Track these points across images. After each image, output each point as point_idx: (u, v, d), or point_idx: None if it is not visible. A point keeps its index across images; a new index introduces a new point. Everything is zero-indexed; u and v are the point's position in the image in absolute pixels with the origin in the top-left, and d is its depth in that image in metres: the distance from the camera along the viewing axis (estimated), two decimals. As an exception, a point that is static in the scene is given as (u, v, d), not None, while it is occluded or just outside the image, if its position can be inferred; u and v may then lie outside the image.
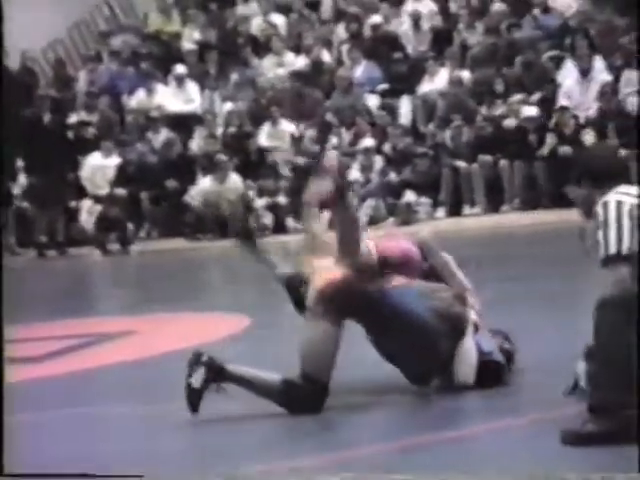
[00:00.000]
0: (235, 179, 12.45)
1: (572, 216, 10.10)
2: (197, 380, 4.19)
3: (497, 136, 11.79)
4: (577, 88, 11.96)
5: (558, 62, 12.38)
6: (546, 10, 13.33)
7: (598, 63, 12.03)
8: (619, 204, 4.01)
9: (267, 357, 5.17)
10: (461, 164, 11.89)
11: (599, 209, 4.04)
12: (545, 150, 11.41)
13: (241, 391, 4.27)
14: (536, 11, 13.30)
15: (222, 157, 12.53)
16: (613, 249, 3.96)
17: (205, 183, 12.49)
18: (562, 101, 11.81)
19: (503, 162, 11.64)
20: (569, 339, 4.78)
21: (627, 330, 3.87)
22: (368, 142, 12.37)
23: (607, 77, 11.90)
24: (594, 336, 3.92)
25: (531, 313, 6.01)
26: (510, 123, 11.82)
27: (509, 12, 13.28)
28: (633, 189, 4.08)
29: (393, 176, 12.21)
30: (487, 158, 11.73)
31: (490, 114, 12.10)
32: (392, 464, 3.55)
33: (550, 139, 11.44)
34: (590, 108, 11.71)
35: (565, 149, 11.18)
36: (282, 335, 5.89)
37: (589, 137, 11.27)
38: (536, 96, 12.03)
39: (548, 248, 9.11)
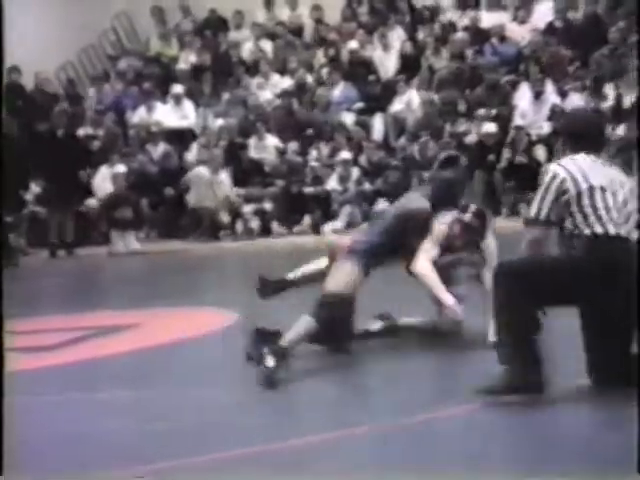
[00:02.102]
0: (224, 176, 12.48)
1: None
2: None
3: (460, 150, 11.83)
4: (531, 109, 12.06)
5: (514, 85, 12.47)
6: (502, 39, 13.42)
7: (549, 87, 12.14)
8: (554, 175, 4.07)
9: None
10: (427, 175, 11.93)
11: (546, 170, 4.12)
12: (502, 163, 11.50)
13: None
14: (494, 40, 13.39)
15: (216, 152, 12.58)
16: (532, 212, 4.03)
17: (201, 170, 12.49)
18: (517, 120, 11.91)
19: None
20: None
21: (520, 294, 3.94)
22: (345, 155, 12.40)
23: (556, 99, 12.01)
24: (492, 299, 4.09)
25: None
26: (471, 139, 11.90)
27: (470, 40, 13.37)
28: (589, 159, 4.09)
29: (368, 186, 12.25)
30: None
31: (454, 131, 12.17)
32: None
33: (506, 154, 11.53)
34: (542, 127, 11.81)
35: (520, 159, 11.27)
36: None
37: (541, 152, 11.36)
38: (495, 114, 12.10)
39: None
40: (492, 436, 3.65)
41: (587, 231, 4.02)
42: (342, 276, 4.88)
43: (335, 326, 4.94)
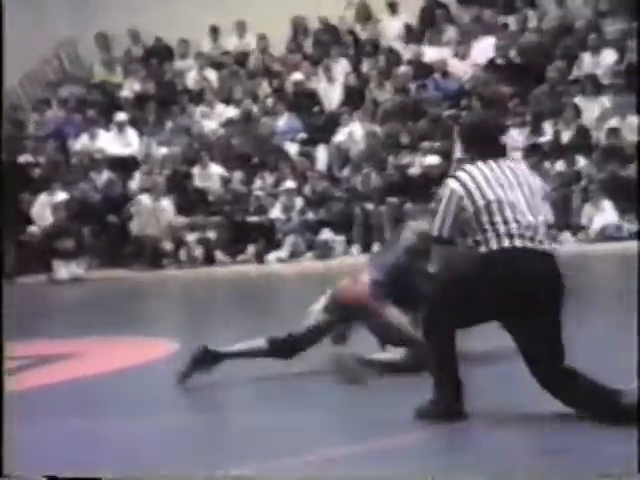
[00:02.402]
0: (167, 203, 12.34)
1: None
2: None
3: (403, 181, 11.87)
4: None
5: (456, 119, 12.53)
6: (445, 74, 13.52)
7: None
8: (452, 192, 4.00)
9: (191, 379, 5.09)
10: (370, 206, 11.93)
11: (445, 185, 4.04)
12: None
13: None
14: (437, 75, 13.47)
15: (159, 179, 12.46)
16: (435, 231, 4.03)
17: (143, 198, 12.38)
18: (458, 153, 11.97)
19: (408, 204, 11.72)
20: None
21: (437, 320, 4.02)
22: (290, 184, 12.34)
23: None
24: None
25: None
26: (415, 170, 11.93)
27: (413, 74, 13.44)
28: (487, 168, 3.96)
29: (311, 215, 12.19)
30: (394, 200, 11.80)
31: (397, 162, 12.18)
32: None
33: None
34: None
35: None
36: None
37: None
38: (437, 146, 12.15)
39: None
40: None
41: (483, 248, 3.93)
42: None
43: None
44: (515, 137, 11.79)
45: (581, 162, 11.13)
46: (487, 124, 4.16)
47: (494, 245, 3.92)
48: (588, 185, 10.80)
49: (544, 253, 3.95)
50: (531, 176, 4.08)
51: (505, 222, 3.92)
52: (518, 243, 3.90)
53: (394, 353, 5.11)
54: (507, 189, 3.94)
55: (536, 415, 3.95)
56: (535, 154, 11.20)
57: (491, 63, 13.30)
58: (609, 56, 12.23)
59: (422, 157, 12.02)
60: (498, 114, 12.28)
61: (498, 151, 4.07)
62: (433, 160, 11.89)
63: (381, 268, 5.19)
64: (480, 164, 4.01)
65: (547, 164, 11.25)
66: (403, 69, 13.47)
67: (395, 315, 5.08)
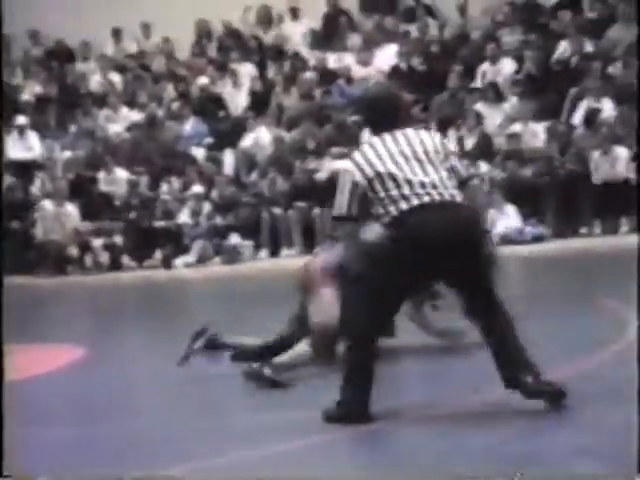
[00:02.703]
0: (71, 208, 12.08)
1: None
2: None
3: (310, 186, 11.87)
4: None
5: (361, 125, 12.60)
6: (349, 81, 13.58)
7: (394, 127, 12.34)
8: (344, 170, 4.12)
9: (97, 386, 4.97)
10: (277, 211, 11.89)
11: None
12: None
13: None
14: (341, 81, 13.53)
15: (62, 184, 12.18)
16: (335, 210, 4.23)
17: (46, 203, 12.11)
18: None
19: (315, 210, 11.73)
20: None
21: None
22: (197, 189, 12.20)
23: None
24: None
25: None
26: (321, 175, 11.95)
27: (318, 80, 13.47)
28: (383, 141, 3.98)
29: (219, 220, 12.09)
30: (302, 205, 11.78)
31: (304, 167, 12.18)
32: None
33: (358, 189, 11.64)
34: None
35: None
36: (113, 366, 5.66)
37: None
38: (343, 152, 12.19)
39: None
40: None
41: (386, 218, 3.95)
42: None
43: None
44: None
45: (484, 168, 11.34)
46: (384, 95, 4.17)
47: (394, 212, 3.91)
48: (491, 190, 11.00)
49: (450, 203, 3.90)
50: (429, 138, 4.04)
51: (398, 187, 3.90)
52: (415, 202, 3.88)
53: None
54: (398, 156, 3.95)
55: (460, 413, 3.98)
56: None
57: (394, 70, 13.45)
58: (508, 65, 12.50)
59: (328, 162, 12.05)
60: (401, 121, 12.48)
61: (395, 122, 4.05)
62: (338, 165, 11.91)
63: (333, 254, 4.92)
64: (374, 139, 4.04)
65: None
66: (308, 75, 13.49)
67: (327, 298, 4.79)
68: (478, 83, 12.47)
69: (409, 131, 4.07)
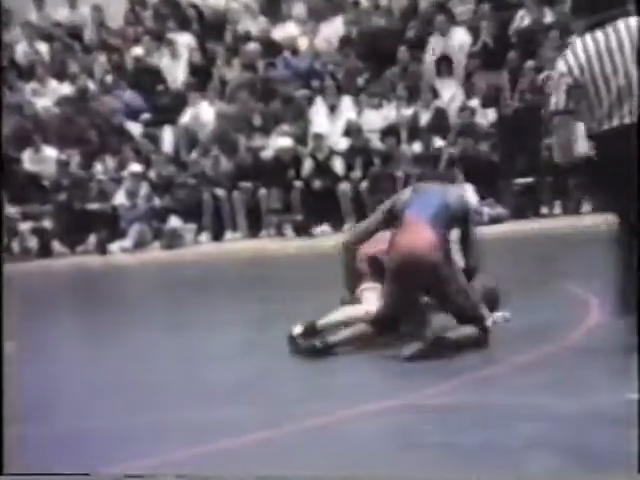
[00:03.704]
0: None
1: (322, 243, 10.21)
2: None
3: (256, 165, 11.91)
4: (326, 124, 12.30)
5: (309, 100, 12.68)
6: (295, 52, 13.57)
7: (345, 102, 12.41)
8: (561, 71, 4.28)
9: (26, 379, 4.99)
10: (220, 192, 11.92)
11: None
12: (305, 172, 11.64)
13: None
14: (286, 53, 13.51)
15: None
16: (552, 106, 4.32)
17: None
18: (317, 128, 12.06)
19: (262, 190, 11.78)
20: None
21: None
22: (134, 168, 12.16)
23: (352, 115, 12.30)
24: None
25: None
26: (267, 154, 12.00)
27: (262, 52, 13.46)
28: None
29: (158, 202, 12.07)
30: (247, 185, 11.82)
31: (249, 145, 12.19)
32: None
33: (307, 164, 11.69)
34: (338, 142, 12.04)
35: (318, 183, 11.47)
36: (40, 362, 5.68)
37: (339, 164, 11.60)
38: (290, 129, 12.24)
39: (307, 272, 9.32)
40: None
41: (605, 125, 4.22)
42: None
43: None
44: (373, 118, 12.03)
45: (439, 143, 11.47)
46: None
47: (606, 125, 4.15)
48: (446, 167, 11.14)
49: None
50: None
51: (610, 94, 4.09)
52: (627, 120, 4.08)
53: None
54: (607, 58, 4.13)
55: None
56: (391, 135, 11.48)
57: (342, 42, 13.50)
58: (460, 36, 12.57)
59: (275, 139, 12.10)
60: (350, 93, 12.55)
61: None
62: (285, 142, 11.97)
63: (428, 211, 4.91)
64: (588, 36, 4.18)
65: (404, 146, 11.55)
66: (251, 46, 13.48)
67: (465, 281, 4.82)
68: (429, 56, 12.53)
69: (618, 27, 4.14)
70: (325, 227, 11.37)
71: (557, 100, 4.25)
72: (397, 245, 4.87)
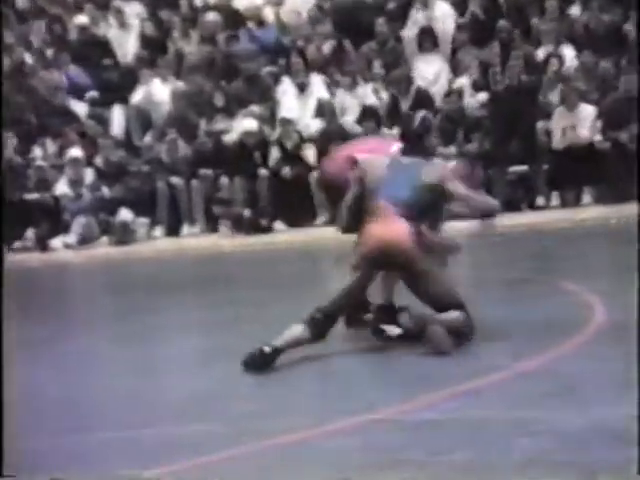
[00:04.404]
0: None
1: (298, 237, 10.28)
2: None
3: (217, 151, 11.92)
4: (295, 104, 12.33)
5: (276, 78, 12.70)
6: (260, 24, 13.59)
7: (315, 81, 12.45)
8: None
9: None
10: (177, 180, 11.94)
11: None
12: (272, 160, 11.68)
13: None
14: (250, 24, 13.54)
15: None
16: None
17: None
18: (284, 113, 12.10)
19: (224, 178, 11.80)
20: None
21: None
22: (76, 153, 12.15)
23: (324, 94, 12.32)
24: None
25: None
26: (230, 138, 12.02)
27: (223, 23, 13.48)
28: None
29: (106, 192, 12.07)
30: (208, 173, 11.82)
31: (210, 128, 12.21)
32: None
33: (274, 153, 11.73)
34: (309, 126, 12.07)
35: (286, 170, 11.51)
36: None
37: (311, 152, 11.64)
38: (257, 110, 12.27)
39: (269, 270, 9.38)
40: None
41: None
42: None
43: None
44: (347, 101, 12.08)
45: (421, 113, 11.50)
46: None
47: None
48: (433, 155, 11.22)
49: None
50: None
51: None
52: None
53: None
54: None
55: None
56: (370, 119, 11.51)
57: (312, 14, 13.53)
58: (445, 9, 12.62)
59: (239, 122, 12.12)
60: (322, 71, 12.58)
61: None
62: (250, 125, 11.99)
63: (403, 199, 5.13)
64: None
65: (385, 130, 11.61)
66: (210, 16, 13.50)
67: (440, 269, 5.15)
68: (410, 29, 12.56)
69: None
70: (290, 221, 11.42)
71: None
72: (369, 235, 5.11)
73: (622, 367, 4.36)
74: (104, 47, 13.65)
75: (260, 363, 4.94)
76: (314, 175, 11.43)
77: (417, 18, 12.49)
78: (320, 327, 5.05)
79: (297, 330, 5.05)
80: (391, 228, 5.04)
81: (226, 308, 7.06)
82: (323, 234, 10.89)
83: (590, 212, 10.20)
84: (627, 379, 4.14)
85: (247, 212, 11.49)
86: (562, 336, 5.06)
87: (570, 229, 9.52)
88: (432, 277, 5.07)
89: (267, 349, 4.97)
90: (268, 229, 11.37)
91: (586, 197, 10.65)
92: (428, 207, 5.23)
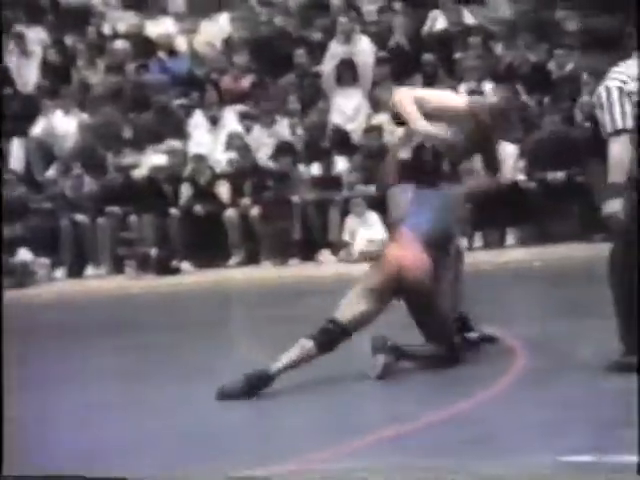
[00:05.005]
0: None
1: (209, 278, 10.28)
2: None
3: (126, 187, 12.06)
4: (207, 138, 12.54)
5: (188, 111, 12.90)
6: (172, 53, 13.81)
7: (229, 115, 12.70)
8: (611, 89, 5.09)
9: None
10: (82, 218, 12.06)
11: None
12: (182, 201, 11.91)
13: None
14: (161, 54, 13.75)
15: None
16: (619, 125, 5.06)
17: None
18: (196, 148, 12.30)
19: (132, 216, 11.94)
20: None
21: None
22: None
23: (237, 128, 12.57)
24: None
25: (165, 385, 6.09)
26: (139, 173, 12.18)
27: (132, 51, 13.65)
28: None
29: (6, 231, 12.06)
30: (115, 210, 11.97)
31: (118, 163, 12.37)
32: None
33: (185, 190, 11.94)
34: (220, 161, 12.28)
35: (198, 208, 11.74)
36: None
37: (224, 189, 11.85)
38: (168, 144, 12.45)
39: (176, 313, 9.56)
40: None
41: None
42: None
43: None
44: (263, 136, 12.35)
45: (341, 165, 11.85)
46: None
47: None
48: (350, 193, 11.53)
49: None
50: None
51: None
52: None
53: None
54: None
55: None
56: (285, 154, 11.79)
57: (227, 44, 13.76)
58: (365, 44, 12.95)
59: (149, 156, 12.29)
60: (237, 104, 12.78)
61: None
62: (160, 160, 12.18)
63: (423, 227, 5.76)
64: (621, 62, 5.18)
65: (301, 167, 11.90)
66: (119, 44, 13.67)
67: (447, 303, 5.74)
68: (328, 63, 12.79)
69: None
70: (202, 261, 11.61)
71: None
72: (387, 258, 5.73)
73: (544, 413, 4.65)
74: (3, 75, 13.69)
75: (258, 385, 5.38)
76: (227, 213, 11.71)
77: (337, 51, 12.79)
78: (332, 338, 5.54)
79: (303, 344, 5.52)
80: (408, 254, 5.64)
81: (131, 353, 7.22)
82: (234, 275, 11.15)
83: (514, 254, 10.57)
84: (548, 425, 4.44)
85: (154, 252, 11.65)
86: (483, 382, 5.34)
87: (493, 272, 9.82)
88: (434, 307, 5.66)
89: (272, 369, 5.42)
90: (177, 270, 11.55)
91: (510, 238, 11.08)
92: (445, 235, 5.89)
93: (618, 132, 5.07)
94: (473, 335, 6.08)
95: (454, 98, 6.26)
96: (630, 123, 5.03)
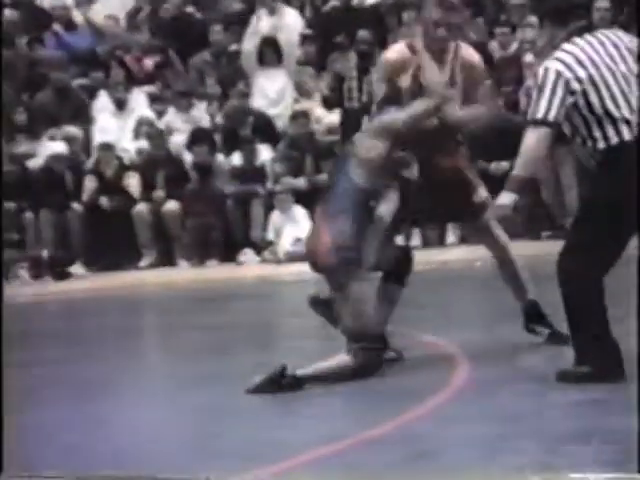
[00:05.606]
0: None
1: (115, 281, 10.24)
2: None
3: (20, 179, 11.92)
4: (114, 123, 12.45)
5: (91, 92, 12.80)
6: (70, 27, 13.69)
7: (137, 95, 12.62)
8: (557, 73, 4.90)
9: None
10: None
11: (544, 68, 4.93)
12: (85, 196, 11.82)
13: None
14: (58, 27, 13.63)
15: None
16: (540, 114, 4.89)
17: None
18: (100, 137, 12.23)
19: (28, 213, 11.85)
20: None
21: None
22: None
23: (147, 112, 12.51)
24: None
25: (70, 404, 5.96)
26: (35, 163, 12.07)
27: (22, 22, 13.53)
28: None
29: None
30: (10, 206, 11.79)
31: (13, 152, 12.21)
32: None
33: (89, 182, 11.83)
34: (128, 149, 12.21)
35: (104, 203, 11.66)
36: None
37: (134, 181, 11.80)
38: (69, 130, 12.35)
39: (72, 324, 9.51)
40: None
41: (601, 144, 4.87)
42: None
43: None
44: (175, 123, 12.31)
45: (265, 155, 11.85)
46: None
47: (614, 138, 4.84)
48: (274, 186, 11.55)
49: None
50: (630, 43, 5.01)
51: (617, 106, 4.86)
52: (628, 136, 4.85)
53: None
54: (611, 64, 4.92)
55: None
56: (202, 143, 11.77)
57: (131, 17, 13.72)
58: (293, 17, 12.99)
59: (46, 143, 12.19)
60: (145, 85, 12.72)
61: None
62: (57, 148, 12.08)
63: (337, 225, 5.71)
64: (577, 40, 4.97)
65: (220, 157, 11.88)
66: (7, 13, 13.47)
67: (363, 294, 5.71)
68: (248, 41, 12.79)
69: (614, 35, 5.03)
70: (108, 264, 11.57)
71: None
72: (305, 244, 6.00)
73: (486, 428, 4.71)
74: None
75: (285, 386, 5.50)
76: (137, 208, 11.64)
77: (259, 27, 12.76)
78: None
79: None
80: (317, 240, 5.72)
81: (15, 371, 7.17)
82: (144, 278, 11.05)
83: (454, 253, 10.67)
84: (492, 440, 4.50)
85: (46, 254, 11.52)
86: (418, 396, 5.34)
87: (431, 272, 9.89)
88: (349, 303, 5.67)
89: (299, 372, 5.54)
90: (69, 274, 11.44)
91: (450, 237, 11.16)
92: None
93: (536, 122, 4.88)
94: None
95: None
96: (554, 115, 4.81)
